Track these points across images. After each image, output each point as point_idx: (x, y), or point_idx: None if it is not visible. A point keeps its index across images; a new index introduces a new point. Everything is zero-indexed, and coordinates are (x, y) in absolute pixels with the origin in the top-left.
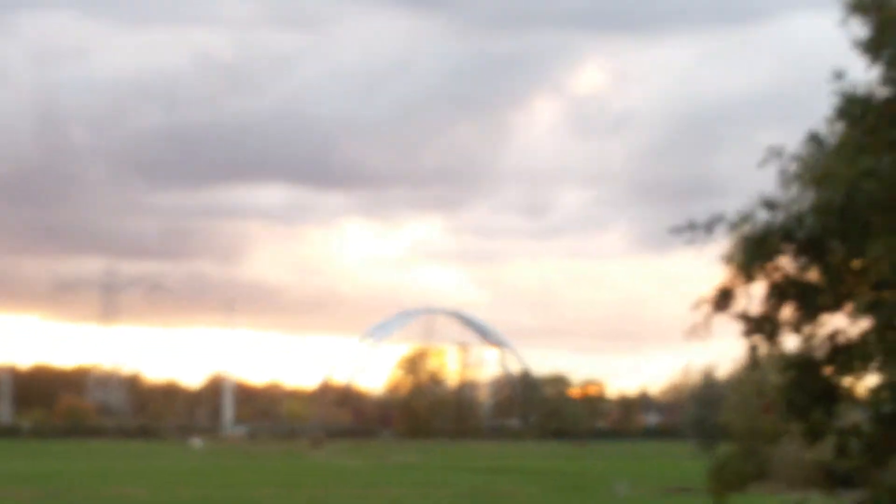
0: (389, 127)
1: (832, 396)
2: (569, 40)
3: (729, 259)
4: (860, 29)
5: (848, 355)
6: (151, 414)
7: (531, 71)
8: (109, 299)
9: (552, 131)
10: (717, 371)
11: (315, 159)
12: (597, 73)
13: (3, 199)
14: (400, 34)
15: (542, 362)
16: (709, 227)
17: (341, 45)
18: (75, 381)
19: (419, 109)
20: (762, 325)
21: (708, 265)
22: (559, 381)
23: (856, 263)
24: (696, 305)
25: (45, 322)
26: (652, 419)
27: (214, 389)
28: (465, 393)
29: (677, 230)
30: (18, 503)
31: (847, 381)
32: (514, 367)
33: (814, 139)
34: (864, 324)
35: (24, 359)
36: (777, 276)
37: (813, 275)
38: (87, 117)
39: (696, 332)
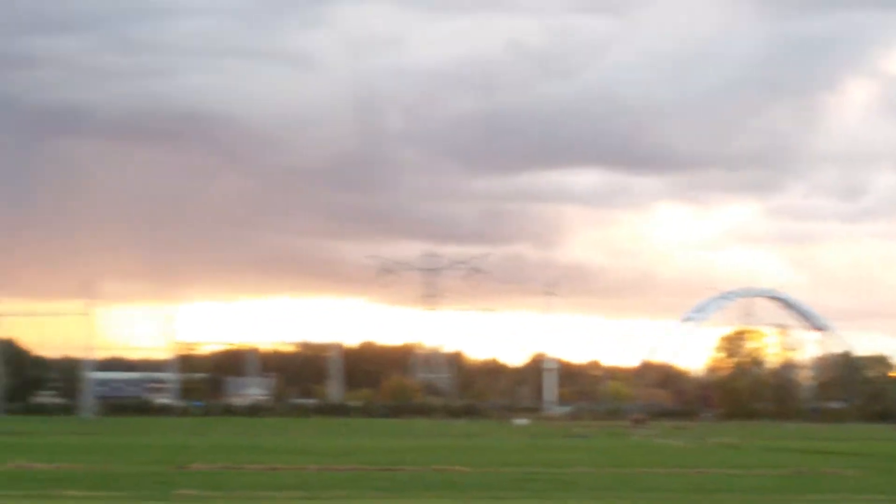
0: (702, 110)
1: None
2: (884, 21)
3: None
4: None
5: None
6: (474, 393)
7: (845, 53)
8: (431, 282)
9: (866, 113)
10: None
11: (628, 143)
12: None
13: (326, 186)
14: (712, 17)
15: (862, 344)
16: None
17: (652, 28)
18: (400, 361)
19: (732, 92)
20: None
21: None
22: (881, 363)
23: None
24: None
25: (371, 304)
26: None
27: (535, 370)
28: (785, 374)
29: None
30: (348, 478)
31: None
32: (835, 349)
33: None
34: None
35: (352, 340)
36: None
37: None
38: (403, 104)
39: None
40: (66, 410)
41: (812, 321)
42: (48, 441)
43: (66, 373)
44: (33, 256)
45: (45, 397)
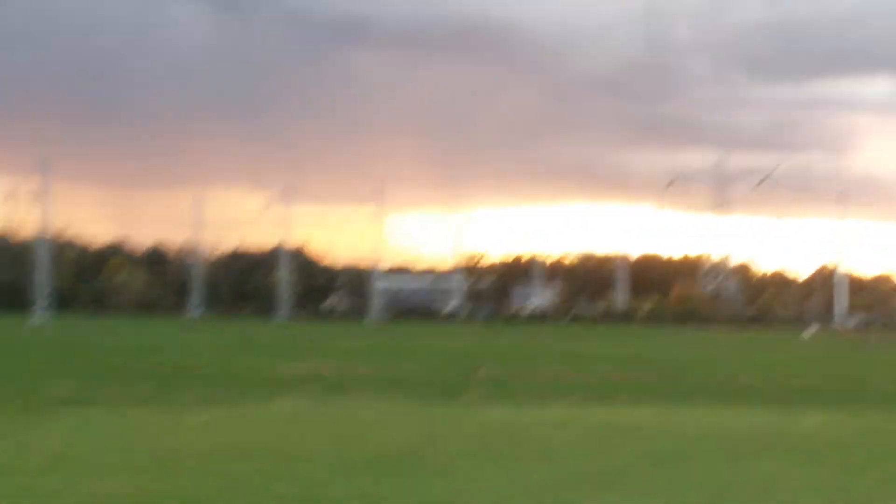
0: None
1: None
2: None
3: None
4: None
5: None
6: (762, 304)
7: None
8: (719, 191)
9: None
10: None
11: None
12: None
13: (613, 96)
14: None
15: None
16: None
17: None
18: (686, 270)
19: None
20: None
21: None
22: None
23: None
24: None
25: (657, 212)
26: None
27: (824, 280)
28: None
29: None
30: (633, 385)
31: None
32: None
33: None
34: None
35: (637, 248)
36: None
37: None
38: (689, 12)
39: None
40: (354, 315)
41: None
42: (337, 345)
43: (354, 279)
44: (324, 164)
45: (333, 303)
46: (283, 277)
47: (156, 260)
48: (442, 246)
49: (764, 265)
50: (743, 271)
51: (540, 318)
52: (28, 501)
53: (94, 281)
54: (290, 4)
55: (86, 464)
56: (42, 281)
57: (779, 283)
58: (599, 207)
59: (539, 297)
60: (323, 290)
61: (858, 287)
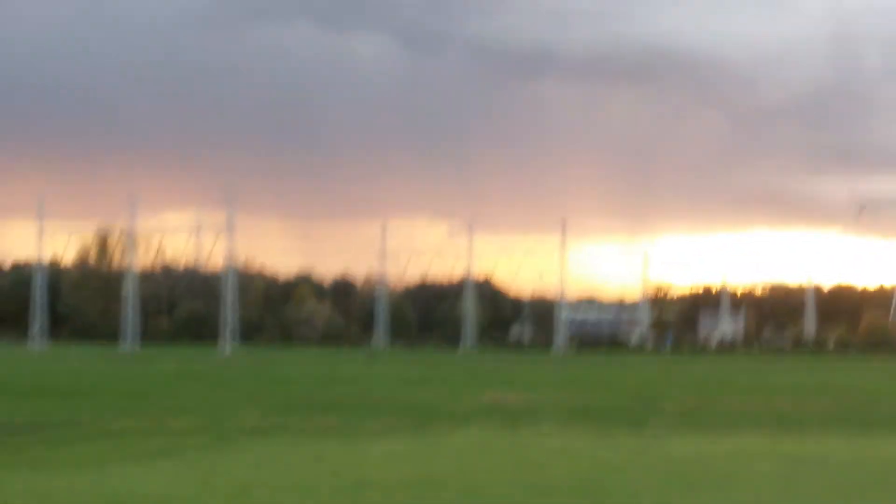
0: None
1: None
2: None
3: None
4: None
5: None
6: None
7: None
8: None
9: None
10: None
11: None
12: None
13: (801, 123)
14: None
15: None
16: None
17: None
18: (878, 299)
19: None
20: None
21: None
22: None
23: None
24: None
25: (847, 240)
26: None
27: None
28: None
29: None
30: (822, 415)
31: None
32: None
33: None
34: None
35: (827, 277)
36: None
37: None
38: (880, 41)
39: None
40: (539, 346)
41: None
42: (522, 375)
43: (539, 309)
44: (508, 194)
45: (518, 333)
46: (469, 308)
47: (341, 291)
48: (627, 276)
49: None
50: None
51: (727, 347)
52: None
53: (280, 312)
54: (475, 37)
55: (269, 496)
56: (229, 312)
57: None
58: (788, 235)
59: (726, 327)
60: (508, 320)
61: None
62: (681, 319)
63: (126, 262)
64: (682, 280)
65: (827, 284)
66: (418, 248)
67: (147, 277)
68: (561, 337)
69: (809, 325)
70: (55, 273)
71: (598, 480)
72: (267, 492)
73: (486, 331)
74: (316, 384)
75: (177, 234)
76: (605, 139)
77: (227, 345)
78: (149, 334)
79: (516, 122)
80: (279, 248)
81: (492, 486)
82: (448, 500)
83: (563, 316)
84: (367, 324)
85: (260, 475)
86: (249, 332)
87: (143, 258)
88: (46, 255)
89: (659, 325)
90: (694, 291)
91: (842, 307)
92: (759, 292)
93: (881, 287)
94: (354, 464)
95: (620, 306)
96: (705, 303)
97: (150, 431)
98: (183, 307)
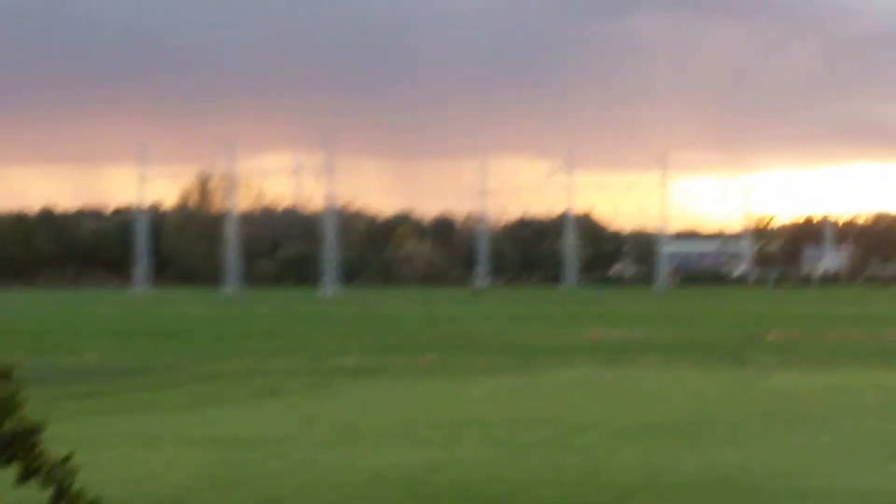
0: None
1: None
2: None
3: None
4: None
5: None
6: None
7: None
8: None
9: None
10: None
11: None
12: None
13: None
14: None
15: None
16: None
17: None
18: None
19: None
20: None
21: None
22: None
23: None
24: None
25: None
26: None
27: None
28: None
29: None
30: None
31: None
32: None
33: None
34: None
35: None
36: None
37: None
38: None
39: None
40: (641, 281)
41: None
42: (624, 311)
43: (640, 244)
44: (607, 131)
45: (620, 269)
46: (570, 245)
47: (442, 230)
48: (729, 209)
49: None
50: None
51: (831, 280)
52: (308, 474)
53: (381, 252)
54: None
55: (369, 436)
56: (330, 253)
57: None
58: (891, 166)
59: (830, 260)
60: (610, 256)
61: None
62: (784, 253)
63: (227, 205)
64: (785, 213)
65: None
66: (518, 186)
67: (248, 220)
68: (663, 272)
69: None
70: (157, 217)
71: (701, 416)
72: (364, 434)
73: (588, 267)
74: (417, 324)
75: (276, 177)
76: (703, 72)
77: (329, 286)
78: (251, 277)
79: (613, 58)
80: (379, 189)
81: (592, 424)
82: (551, 437)
83: (665, 251)
84: (468, 263)
85: (363, 415)
86: (351, 273)
87: (243, 201)
88: (148, 200)
89: (762, 259)
90: (797, 224)
91: None
92: (863, 224)
93: None
94: (453, 403)
95: (722, 240)
96: (808, 235)
97: (253, 373)
98: (284, 249)
